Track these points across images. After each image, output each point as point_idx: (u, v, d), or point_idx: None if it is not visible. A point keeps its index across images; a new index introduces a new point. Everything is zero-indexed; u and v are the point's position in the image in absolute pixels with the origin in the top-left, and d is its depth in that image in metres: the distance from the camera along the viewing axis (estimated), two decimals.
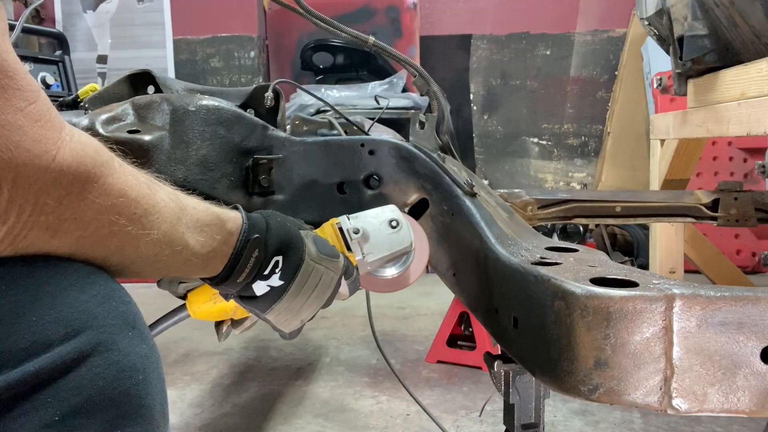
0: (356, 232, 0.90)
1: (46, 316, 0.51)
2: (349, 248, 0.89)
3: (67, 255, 0.56)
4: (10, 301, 0.51)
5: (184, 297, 0.90)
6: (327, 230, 0.90)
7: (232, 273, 0.74)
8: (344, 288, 0.87)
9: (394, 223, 0.92)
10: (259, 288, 0.77)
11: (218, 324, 0.94)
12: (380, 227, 0.91)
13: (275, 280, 0.77)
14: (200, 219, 0.69)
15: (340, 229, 0.90)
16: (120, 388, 0.53)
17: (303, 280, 0.79)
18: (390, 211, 0.93)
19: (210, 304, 0.88)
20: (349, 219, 0.91)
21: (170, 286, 0.90)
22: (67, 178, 0.52)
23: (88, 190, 0.54)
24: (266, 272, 0.76)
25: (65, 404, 0.50)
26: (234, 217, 0.75)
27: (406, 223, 0.93)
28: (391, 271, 0.96)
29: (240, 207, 0.78)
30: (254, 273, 0.76)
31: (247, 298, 0.78)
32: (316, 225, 0.91)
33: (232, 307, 0.88)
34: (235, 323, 0.94)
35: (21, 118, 0.49)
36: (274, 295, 0.78)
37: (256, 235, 0.75)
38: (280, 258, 0.77)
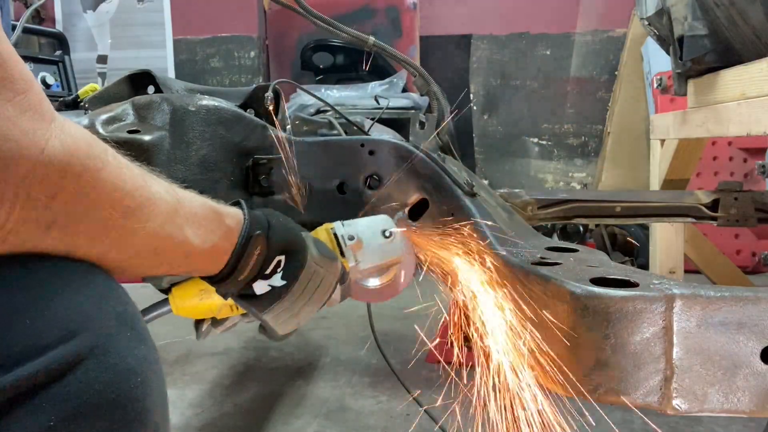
0: (351, 238, 0.90)
1: (41, 318, 0.49)
2: (342, 254, 0.89)
3: (63, 253, 0.54)
4: (4, 302, 0.49)
5: (167, 291, 0.86)
6: (322, 235, 0.90)
7: (235, 270, 0.72)
8: (336, 293, 0.86)
9: (387, 233, 0.92)
10: (260, 287, 0.76)
11: (198, 322, 0.90)
12: (374, 236, 0.91)
13: (277, 280, 0.76)
14: (197, 213, 0.68)
15: (335, 235, 0.90)
16: (117, 392, 0.51)
17: (305, 281, 0.78)
18: (383, 220, 0.94)
19: (196, 301, 0.84)
20: (343, 225, 0.91)
21: (153, 277, 0.86)
22: (57, 171, 0.50)
23: (81, 184, 0.52)
24: (268, 271, 0.75)
25: (61, 409, 0.48)
26: (234, 213, 0.74)
27: (399, 233, 0.93)
28: (375, 282, 0.96)
29: (242, 202, 0.77)
30: (256, 271, 0.74)
31: (245, 296, 0.77)
32: (315, 225, 0.91)
33: (217, 306, 0.85)
34: (216, 322, 0.90)
35: (9, 109, 0.48)
36: (275, 294, 0.77)
37: (258, 232, 0.73)
38: (282, 257, 0.76)
